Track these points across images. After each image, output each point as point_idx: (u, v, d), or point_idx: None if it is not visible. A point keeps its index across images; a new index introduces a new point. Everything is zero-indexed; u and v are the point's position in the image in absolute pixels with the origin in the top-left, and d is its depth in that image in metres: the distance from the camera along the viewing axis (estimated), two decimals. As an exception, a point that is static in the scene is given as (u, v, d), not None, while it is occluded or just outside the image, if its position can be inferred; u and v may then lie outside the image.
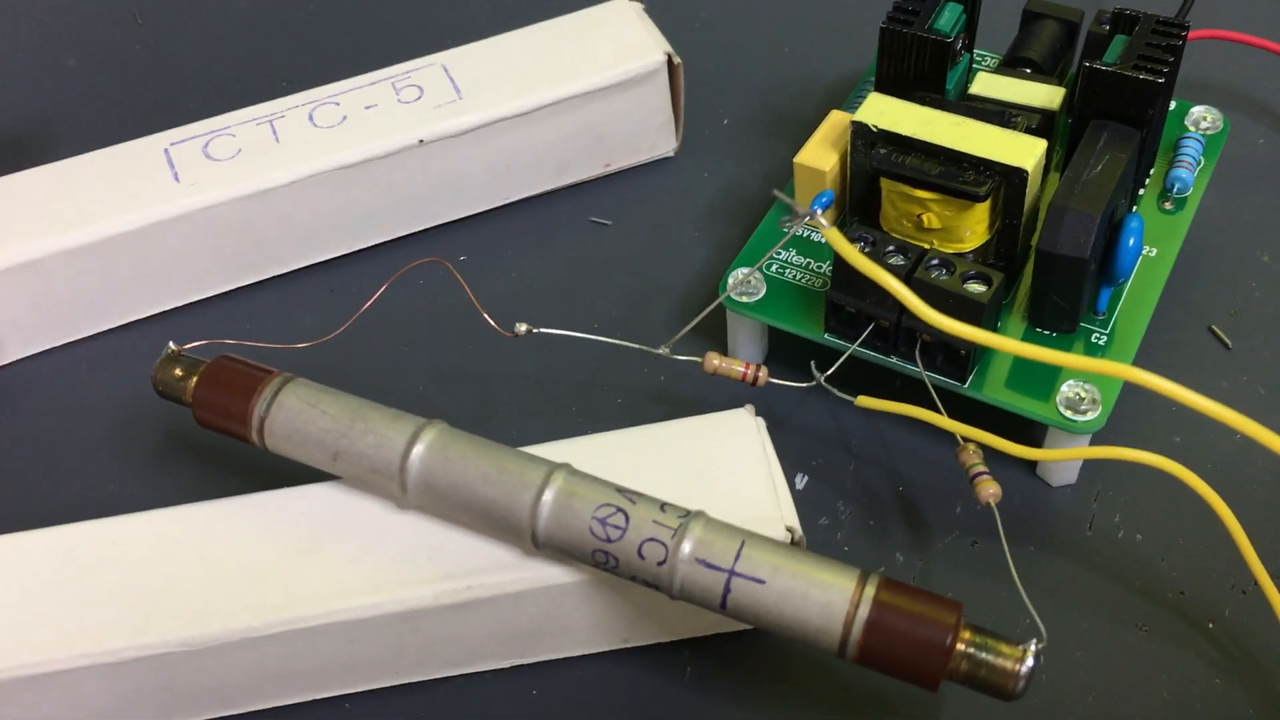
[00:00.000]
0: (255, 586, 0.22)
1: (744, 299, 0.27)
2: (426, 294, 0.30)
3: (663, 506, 0.21)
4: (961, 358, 0.25)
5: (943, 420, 0.24)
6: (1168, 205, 0.28)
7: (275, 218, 0.29)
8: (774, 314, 0.27)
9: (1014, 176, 0.25)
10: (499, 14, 0.36)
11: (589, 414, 0.28)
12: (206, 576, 0.22)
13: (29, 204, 0.29)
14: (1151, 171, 0.29)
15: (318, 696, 0.24)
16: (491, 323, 0.25)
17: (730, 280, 0.27)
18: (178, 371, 0.24)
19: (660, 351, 0.25)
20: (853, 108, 0.28)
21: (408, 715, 0.23)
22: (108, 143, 0.30)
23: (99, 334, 0.30)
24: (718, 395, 0.27)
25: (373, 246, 0.31)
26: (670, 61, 0.31)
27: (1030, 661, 0.20)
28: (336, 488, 0.24)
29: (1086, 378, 0.25)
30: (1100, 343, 0.26)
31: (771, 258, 0.27)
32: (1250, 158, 0.32)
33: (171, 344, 0.24)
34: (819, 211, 0.22)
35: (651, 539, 0.21)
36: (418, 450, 0.22)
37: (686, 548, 0.21)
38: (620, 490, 0.22)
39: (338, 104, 0.30)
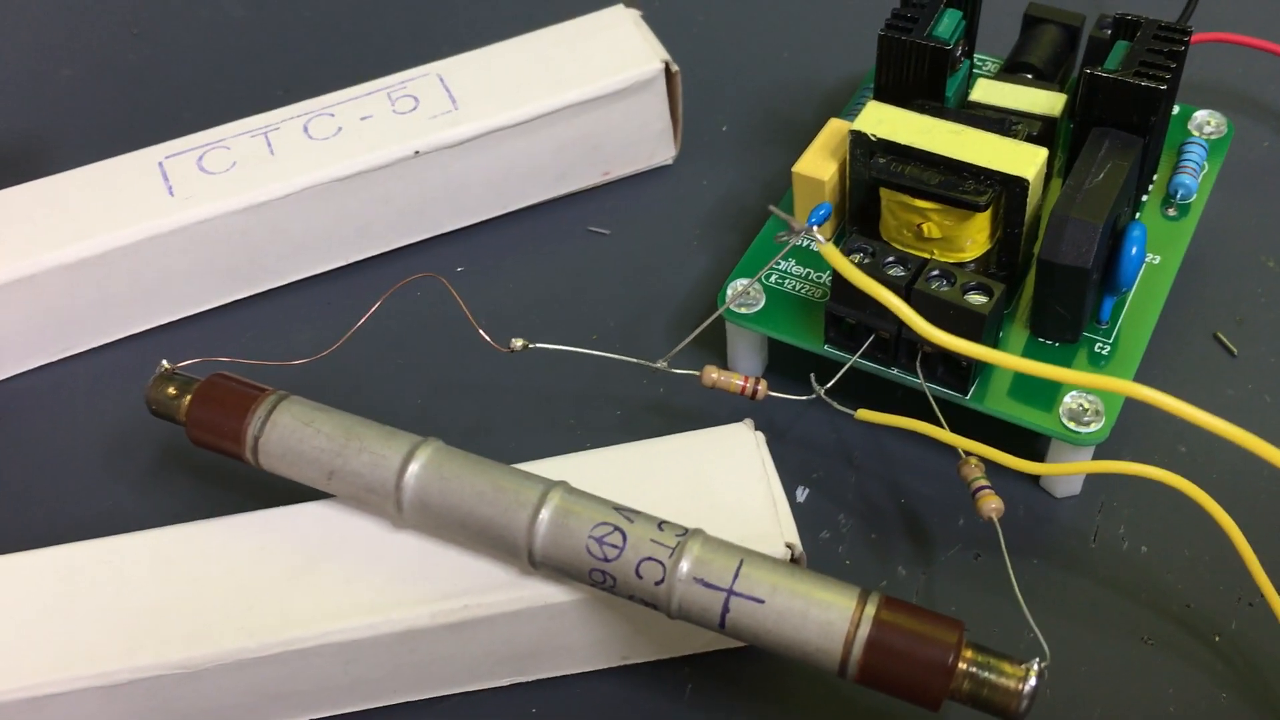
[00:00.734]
0: (251, 607, 0.22)
1: (743, 310, 0.27)
2: (423, 307, 0.30)
3: (660, 525, 0.21)
4: (963, 369, 0.25)
5: (943, 434, 0.24)
6: (1171, 211, 0.28)
7: (270, 230, 0.29)
8: (773, 325, 0.26)
9: (1015, 186, 0.25)
10: (496, 22, 0.36)
11: (588, 427, 0.28)
12: (201, 597, 0.22)
13: (23, 219, 0.29)
14: (1155, 177, 0.28)
15: (314, 717, 0.23)
16: (487, 338, 0.25)
17: (729, 292, 0.27)
18: (171, 390, 0.24)
19: (658, 365, 0.25)
20: (852, 115, 0.28)
21: (406, 735, 0.23)
22: (103, 154, 0.30)
23: (94, 350, 0.30)
24: (718, 407, 0.27)
25: (370, 259, 0.31)
26: (668, 69, 0.31)
27: (1033, 681, 0.19)
28: (332, 506, 0.23)
29: (1090, 389, 0.24)
30: (1104, 353, 0.25)
31: (771, 268, 0.27)
32: (1255, 162, 0.31)
33: (165, 362, 0.24)
34: (815, 228, 0.22)
35: (649, 558, 0.21)
36: (413, 469, 0.22)
37: (684, 567, 0.20)
38: (617, 508, 0.21)
39: (333, 115, 0.30)
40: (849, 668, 0.20)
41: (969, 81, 0.28)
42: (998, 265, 0.26)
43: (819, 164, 0.27)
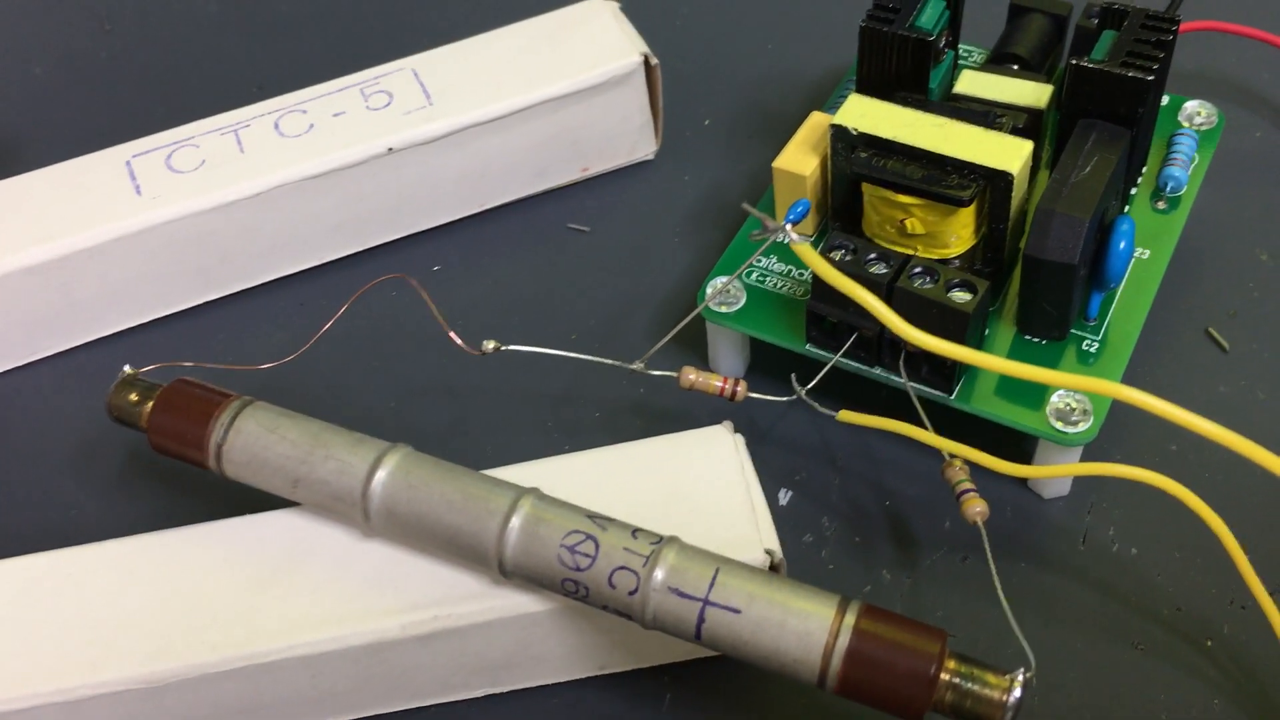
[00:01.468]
0: (214, 620, 0.21)
1: (723, 309, 0.26)
2: (398, 308, 0.29)
3: (634, 533, 0.20)
4: (948, 369, 0.24)
5: (927, 435, 0.23)
6: (1161, 205, 0.27)
7: (240, 230, 0.29)
8: (754, 324, 0.26)
9: (999, 180, 0.24)
10: (473, 17, 0.35)
11: (566, 429, 0.27)
12: (164, 610, 0.22)
13: None
14: (1144, 170, 0.28)
15: (284, 730, 0.23)
16: (458, 341, 0.24)
17: (709, 290, 0.26)
18: (133, 396, 0.23)
19: (635, 367, 0.25)
20: (834, 108, 0.28)
21: (377, 748, 0.23)
22: (75, 152, 0.30)
23: (59, 354, 0.29)
24: (699, 408, 0.27)
25: (344, 258, 0.30)
26: (647, 62, 0.30)
27: (1018, 692, 0.19)
28: (299, 515, 0.23)
29: (1075, 390, 0.24)
30: (1092, 350, 0.25)
31: (751, 265, 0.27)
32: (1246, 152, 0.31)
33: (127, 367, 0.24)
34: (790, 226, 0.21)
35: (622, 567, 0.20)
36: (380, 476, 0.21)
37: (659, 576, 0.20)
38: (590, 516, 0.21)
39: (305, 112, 0.29)
40: (828, 679, 0.19)
41: (954, 73, 0.28)
42: (983, 261, 0.25)
43: (800, 159, 0.26)
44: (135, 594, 0.22)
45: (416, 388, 0.28)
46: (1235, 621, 0.23)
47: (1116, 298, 0.26)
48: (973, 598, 0.24)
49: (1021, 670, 0.19)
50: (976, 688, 0.19)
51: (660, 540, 0.20)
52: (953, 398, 0.24)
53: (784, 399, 0.25)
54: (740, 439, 0.24)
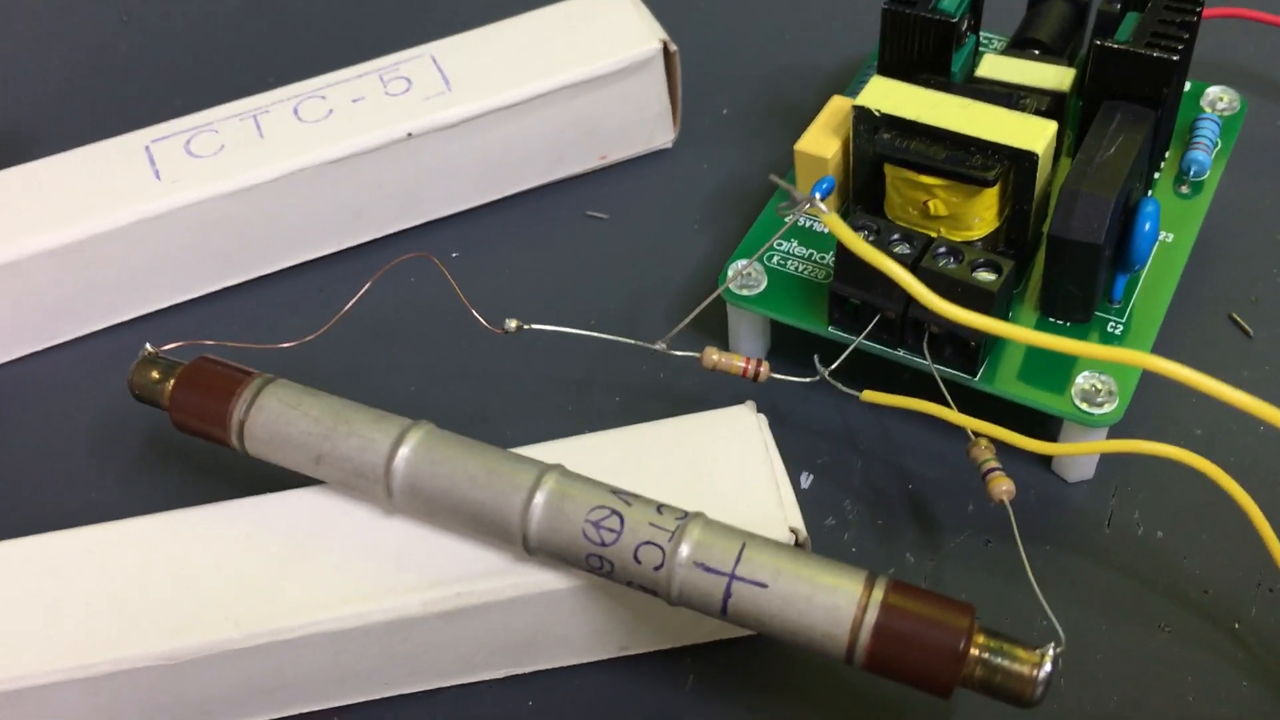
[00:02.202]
0: (237, 597, 0.21)
1: (744, 292, 0.26)
2: (417, 291, 0.29)
3: (659, 508, 0.20)
4: (971, 349, 0.24)
5: (953, 414, 0.23)
6: (1184, 189, 0.27)
7: (260, 215, 0.29)
8: (776, 307, 0.26)
9: (1024, 160, 0.24)
10: (492, 4, 0.35)
11: (585, 413, 0.27)
12: (187, 587, 0.22)
13: (6, 204, 0.28)
14: (1167, 155, 0.28)
15: (305, 710, 0.23)
16: (480, 319, 0.24)
17: (730, 272, 0.26)
18: (155, 374, 0.23)
19: (657, 347, 0.24)
20: (854, 94, 0.28)
21: (399, 728, 0.23)
22: (93, 141, 0.30)
23: (80, 338, 0.29)
24: (719, 392, 0.26)
25: (363, 244, 0.30)
26: (666, 49, 0.30)
27: (1048, 666, 0.19)
28: (321, 493, 0.23)
29: (1103, 368, 0.24)
30: (1116, 332, 0.25)
31: (772, 248, 0.26)
32: (1269, 139, 0.31)
33: (148, 345, 0.24)
34: (818, 197, 0.21)
35: (648, 542, 0.20)
36: (403, 452, 0.21)
37: (684, 551, 0.20)
38: (615, 491, 0.21)
39: (323, 98, 0.29)
40: (856, 654, 0.19)
41: (975, 58, 0.28)
42: (1006, 243, 0.25)
43: (822, 141, 0.26)
44: (158, 571, 0.22)
45: (436, 372, 0.28)
46: (1263, 604, 0.23)
47: (1141, 281, 0.25)
48: (996, 581, 0.24)
49: (1052, 645, 0.19)
50: (1006, 663, 0.19)
51: (686, 516, 0.20)
52: (976, 379, 0.24)
53: (807, 380, 0.25)
54: (763, 418, 0.23)
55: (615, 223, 0.31)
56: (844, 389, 0.25)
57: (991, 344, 0.24)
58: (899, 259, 0.23)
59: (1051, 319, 0.25)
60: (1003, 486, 0.22)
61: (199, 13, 0.37)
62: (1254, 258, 0.28)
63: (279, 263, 0.30)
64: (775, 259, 0.26)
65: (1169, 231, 0.26)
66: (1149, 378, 0.24)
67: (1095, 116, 0.25)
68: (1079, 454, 0.24)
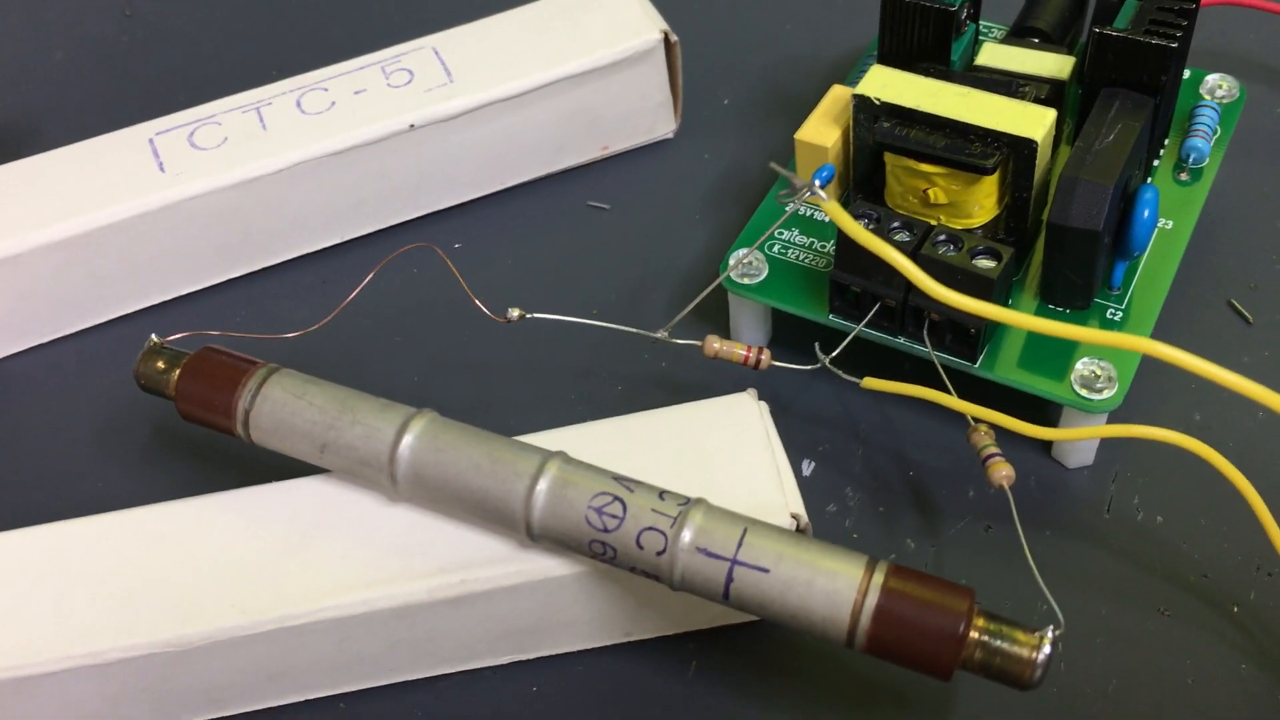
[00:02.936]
0: (243, 584, 0.22)
1: (745, 280, 0.26)
2: (419, 282, 0.29)
3: (661, 494, 0.20)
4: (971, 336, 0.24)
5: (953, 401, 0.23)
6: (1183, 176, 0.27)
7: (264, 207, 0.29)
8: (776, 295, 0.26)
9: (1023, 148, 0.24)
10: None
11: (588, 402, 0.27)
12: (194, 575, 0.22)
13: (10, 197, 0.28)
14: (1166, 142, 0.28)
15: (311, 696, 0.23)
16: (483, 308, 0.24)
17: (730, 261, 0.26)
18: (160, 364, 0.23)
19: (659, 335, 0.25)
20: (855, 83, 0.28)
21: (404, 714, 0.23)
22: (98, 134, 0.30)
23: (85, 330, 0.29)
24: (720, 380, 0.27)
25: (366, 236, 0.31)
26: (667, 40, 0.30)
27: (1047, 649, 0.19)
28: (326, 481, 0.23)
29: (1102, 355, 0.24)
30: (1115, 319, 0.25)
31: (773, 237, 0.27)
32: (1267, 127, 0.31)
33: (154, 336, 0.24)
34: (818, 185, 0.21)
35: (650, 528, 0.20)
36: (407, 440, 0.21)
37: (686, 536, 0.20)
38: (617, 478, 0.21)
39: (326, 90, 0.30)
40: (857, 638, 0.19)
41: (974, 46, 0.28)
42: (1006, 231, 0.25)
43: (822, 130, 0.26)
44: (164, 559, 0.22)
45: (438, 362, 0.28)
46: (1262, 588, 0.23)
47: (1140, 268, 0.26)
48: (996, 566, 0.24)
49: (1051, 628, 0.19)
50: (1005, 645, 0.19)
51: (687, 502, 0.20)
52: (976, 366, 0.24)
53: (808, 367, 0.25)
54: (764, 406, 0.24)
55: (617, 213, 0.31)
56: (845, 376, 0.25)
57: (991, 331, 0.24)
58: (899, 246, 0.24)
59: (1051, 306, 0.25)
60: (1003, 472, 0.22)
61: (200, 7, 0.37)
62: (1253, 245, 0.28)
63: (282, 254, 0.30)
64: (776, 248, 0.27)
65: (1168, 218, 0.26)
66: (1148, 364, 0.24)
67: (1094, 104, 0.25)
68: (1079, 439, 0.24)
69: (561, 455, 0.21)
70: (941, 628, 0.19)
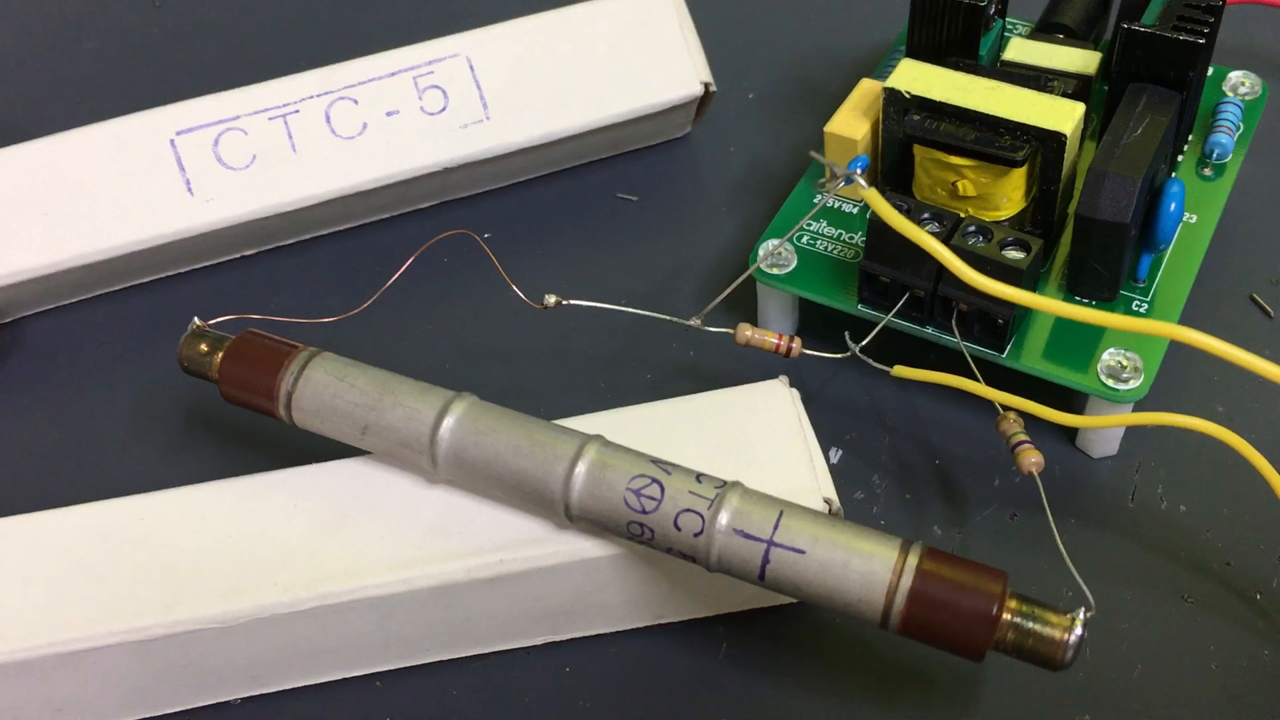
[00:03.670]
0: (285, 563, 0.22)
1: (775, 271, 0.26)
2: (452, 269, 0.30)
3: (698, 477, 0.21)
4: (999, 327, 0.24)
5: (982, 389, 0.23)
6: (1207, 171, 0.28)
7: (293, 225, 0.29)
8: (806, 286, 0.26)
9: (1052, 141, 0.24)
10: None
11: (617, 389, 0.27)
12: (236, 553, 0.22)
13: (36, 204, 0.28)
14: (1190, 138, 0.28)
15: (349, 674, 0.23)
16: (520, 294, 0.25)
17: (760, 251, 0.26)
18: (203, 347, 0.24)
19: (691, 323, 0.25)
20: (883, 77, 0.28)
21: (440, 693, 0.23)
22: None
23: (117, 303, 0.29)
24: (748, 369, 0.27)
25: (394, 225, 0.31)
26: (707, 89, 0.30)
27: (1079, 630, 0.19)
28: (365, 462, 0.23)
29: (1128, 345, 0.24)
30: (1141, 311, 0.25)
31: (802, 229, 0.27)
32: (1289, 125, 0.31)
33: (196, 319, 0.24)
34: (858, 172, 0.22)
35: (688, 510, 0.20)
36: (448, 423, 0.22)
37: (724, 518, 0.20)
38: (654, 461, 0.21)
39: (356, 102, 0.29)
40: (891, 619, 0.20)
41: (1001, 42, 0.28)
42: (1033, 223, 0.26)
43: (851, 123, 0.27)
44: (207, 538, 0.22)
45: (470, 348, 0.28)
46: (1284, 576, 0.24)
47: (1164, 261, 0.26)
48: (1022, 553, 0.24)
49: (1082, 609, 0.19)
50: (1038, 627, 0.19)
51: (724, 484, 0.21)
52: (1004, 356, 0.25)
53: (838, 355, 0.25)
54: (795, 393, 0.24)
55: (644, 204, 0.31)
56: (874, 364, 0.25)
57: (1019, 321, 0.25)
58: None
59: (1077, 297, 0.25)
60: (1032, 459, 0.23)
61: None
62: (1274, 239, 0.29)
63: (314, 231, 0.30)
64: (805, 238, 0.27)
65: (1192, 213, 0.27)
66: (1171, 356, 0.25)
67: (1122, 99, 0.25)
68: (1109, 425, 0.24)
69: (600, 439, 0.22)
70: (975, 609, 0.19)
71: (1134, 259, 0.25)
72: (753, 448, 0.23)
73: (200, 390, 0.25)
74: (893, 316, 0.25)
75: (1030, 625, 0.19)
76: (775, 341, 0.25)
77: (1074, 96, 0.26)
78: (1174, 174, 0.27)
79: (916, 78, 0.25)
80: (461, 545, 0.22)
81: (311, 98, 0.29)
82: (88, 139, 0.28)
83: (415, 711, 0.23)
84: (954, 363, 0.25)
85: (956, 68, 0.26)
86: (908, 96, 0.25)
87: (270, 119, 0.28)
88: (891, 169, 0.26)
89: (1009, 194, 0.25)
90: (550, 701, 0.23)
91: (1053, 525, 0.22)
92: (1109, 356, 0.24)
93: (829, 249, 0.27)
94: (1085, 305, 0.25)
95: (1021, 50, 0.27)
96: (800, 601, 0.22)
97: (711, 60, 0.31)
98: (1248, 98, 0.29)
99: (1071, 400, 0.25)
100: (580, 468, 0.21)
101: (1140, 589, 0.24)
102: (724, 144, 0.32)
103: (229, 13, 0.37)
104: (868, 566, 0.20)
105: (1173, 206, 0.25)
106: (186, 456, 0.27)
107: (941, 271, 0.23)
